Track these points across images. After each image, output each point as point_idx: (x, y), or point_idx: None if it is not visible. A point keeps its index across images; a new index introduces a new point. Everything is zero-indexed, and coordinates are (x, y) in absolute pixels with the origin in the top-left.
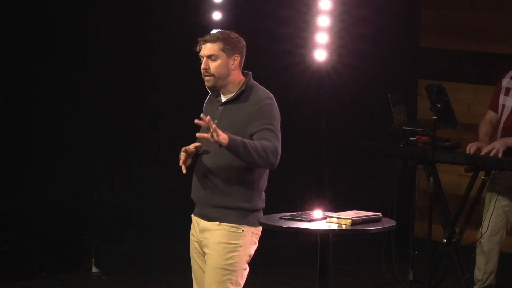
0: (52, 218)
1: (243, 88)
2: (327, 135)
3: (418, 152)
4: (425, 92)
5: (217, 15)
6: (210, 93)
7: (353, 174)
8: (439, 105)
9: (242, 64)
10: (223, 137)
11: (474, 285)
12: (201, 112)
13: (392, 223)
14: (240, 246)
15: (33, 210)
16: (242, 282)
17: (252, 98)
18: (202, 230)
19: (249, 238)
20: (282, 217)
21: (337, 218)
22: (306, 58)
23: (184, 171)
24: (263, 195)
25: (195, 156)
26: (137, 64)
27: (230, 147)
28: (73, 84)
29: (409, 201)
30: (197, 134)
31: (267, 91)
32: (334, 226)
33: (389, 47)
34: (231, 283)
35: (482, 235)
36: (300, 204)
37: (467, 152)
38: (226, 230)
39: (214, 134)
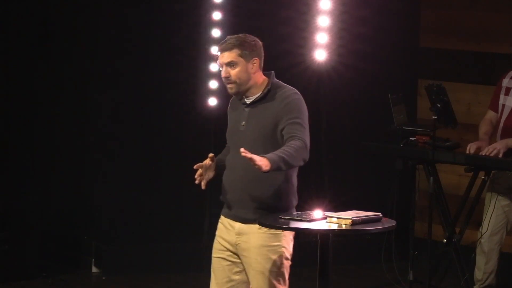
0: (52, 218)
1: (269, 87)
2: (327, 135)
3: (418, 152)
4: (425, 92)
5: (217, 15)
6: (234, 96)
7: (353, 174)
8: (439, 105)
9: (262, 65)
10: (265, 164)
11: (474, 285)
12: (201, 112)
13: (392, 223)
14: (283, 246)
15: (33, 210)
16: (287, 279)
17: (279, 96)
18: (240, 233)
19: (288, 236)
20: (282, 217)
21: (337, 218)
22: (306, 58)
23: (203, 187)
24: (296, 192)
25: (218, 167)
26: (137, 64)
27: (274, 169)
28: (72, 84)
29: (409, 201)
30: (242, 152)
31: (293, 88)
32: (334, 226)
33: (389, 47)
34: (280, 283)
35: (482, 235)
36: (300, 204)
37: (467, 152)
38: (267, 232)
39: (256, 167)
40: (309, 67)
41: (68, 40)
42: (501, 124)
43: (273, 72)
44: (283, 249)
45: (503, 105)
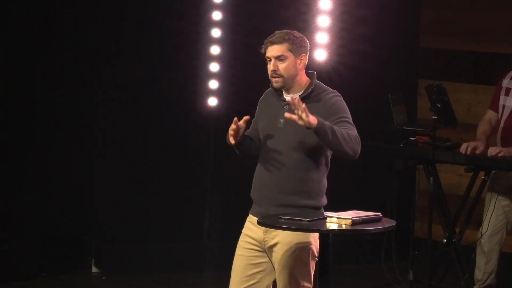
0: (52, 218)
1: (312, 87)
2: None
3: (418, 152)
4: (425, 92)
5: (217, 15)
6: (271, 89)
7: (353, 174)
8: (439, 105)
9: (306, 64)
10: (312, 118)
11: (474, 285)
12: (201, 112)
13: (392, 223)
14: (311, 243)
15: (33, 210)
16: (312, 274)
17: (323, 98)
18: (268, 230)
19: (317, 234)
20: (282, 217)
21: (337, 218)
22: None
23: (232, 141)
24: (325, 192)
25: (246, 140)
26: (137, 64)
27: (319, 130)
28: (72, 84)
29: (409, 201)
30: (286, 114)
31: (334, 90)
32: (334, 226)
33: (389, 47)
34: (304, 279)
35: (482, 235)
36: None
37: (464, 152)
38: None
39: (303, 115)
40: (309, 67)
41: (68, 40)
42: (502, 125)
43: (315, 72)
44: (312, 246)
45: (503, 106)
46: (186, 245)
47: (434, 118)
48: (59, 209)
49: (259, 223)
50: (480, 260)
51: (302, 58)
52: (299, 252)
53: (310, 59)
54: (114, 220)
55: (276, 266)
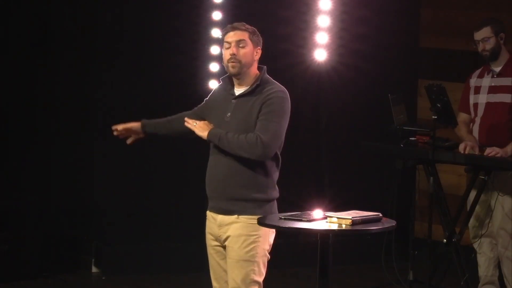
0: (52, 218)
1: (258, 82)
2: (327, 135)
3: (418, 152)
4: (425, 92)
5: (217, 15)
6: (225, 84)
7: (353, 174)
8: (439, 105)
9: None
10: (203, 134)
11: (474, 285)
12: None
13: (392, 223)
14: (260, 237)
15: (33, 210)
16: (264, 271)
17: (265, 92)
18: (221, 225)
19: (270, 230)
20: (282, 217)
21: (337, 218)
22: (306, 58)
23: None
24: (276, 185)
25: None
26: (137, 64)
27: (208, 140)
28: (72, 84)
29: (409, 201)
30: (186, 120)
31: (281, 86)
32: (334, 226)
33: (389, 47)
34: (254, 273)
35: (482, 235)
36: (300, 204)
37: (462, 151)
38: (245, 222)
39: (196, 130)
40: (309, 67)
41: (68, 40)
42: (478, 121)
43: (265, 67)
44: (260, 239)
45: (476, 104)
46: (186, 245)
47: (434, 118)
48: (59, 209)
49: (259, 223)
50: (478, 258)
51: (257, 50)
52: (247, 243)
53: (310, 59)
54: (114, 220)
55: (226, 259)
